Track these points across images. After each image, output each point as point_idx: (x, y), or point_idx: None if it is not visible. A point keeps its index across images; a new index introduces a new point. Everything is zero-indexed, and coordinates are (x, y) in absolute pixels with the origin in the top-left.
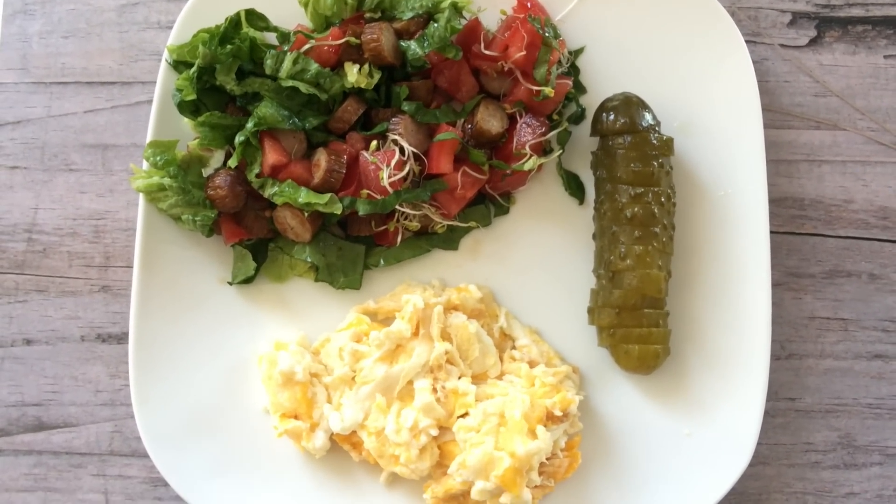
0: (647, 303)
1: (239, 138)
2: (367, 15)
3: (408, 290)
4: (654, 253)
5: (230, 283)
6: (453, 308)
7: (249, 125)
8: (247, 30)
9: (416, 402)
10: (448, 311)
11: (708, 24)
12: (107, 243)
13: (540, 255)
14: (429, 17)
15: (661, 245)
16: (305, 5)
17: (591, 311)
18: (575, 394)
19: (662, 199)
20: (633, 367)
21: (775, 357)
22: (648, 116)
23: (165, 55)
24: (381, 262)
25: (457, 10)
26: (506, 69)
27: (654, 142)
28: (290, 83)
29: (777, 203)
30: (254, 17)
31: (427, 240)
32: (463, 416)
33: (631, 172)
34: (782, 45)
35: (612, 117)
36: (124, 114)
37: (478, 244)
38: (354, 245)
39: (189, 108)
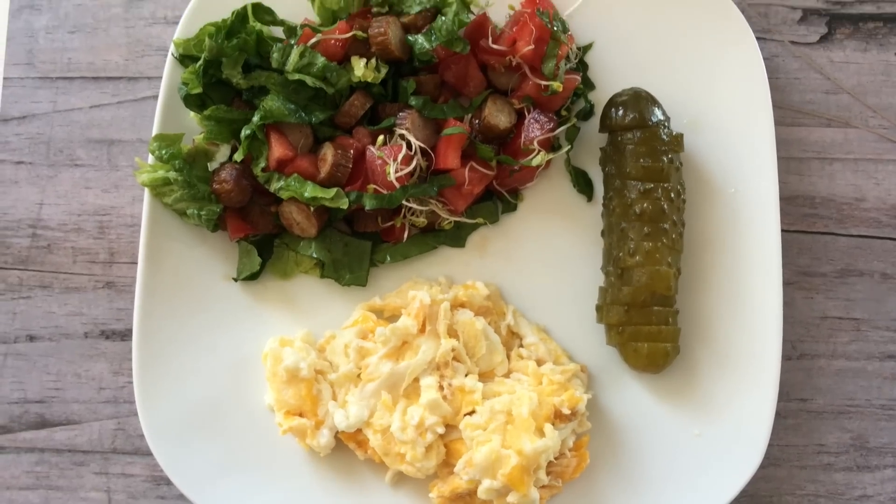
0: (657, 300)
1: (245, 132)
2: (375, 9)
3: (414, 287)
4: (663, 249)
5: (235, 280)
6: (460, 305)
7: (255, 119)
8: (253, 23)
9: (422, 399)
10: (455, 308)
11: (718, 19)
12: (111, 239)
13: (548, 253)
14: (436, 11)
15: (671, 242)
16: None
17: (599, 308)
18: (583, 392)
19: (672, 196)
20: (642, 366)
21: (786, 357)
22: (658, 112)
23: (172, 49)
24: (388, 258)
25: (465, 4)
26: (514, 64)
27: (664, 137)
28: (296, 77)
29: (788, 201)
30: (260, 11)
31: (434, 236)
32: (469, 413)
33: (640, 168)
34: (793, 42)
35: (621, 113)
36: (130, 109)
37: (485, 241)
38: (360, 241)
39: (195, 102)
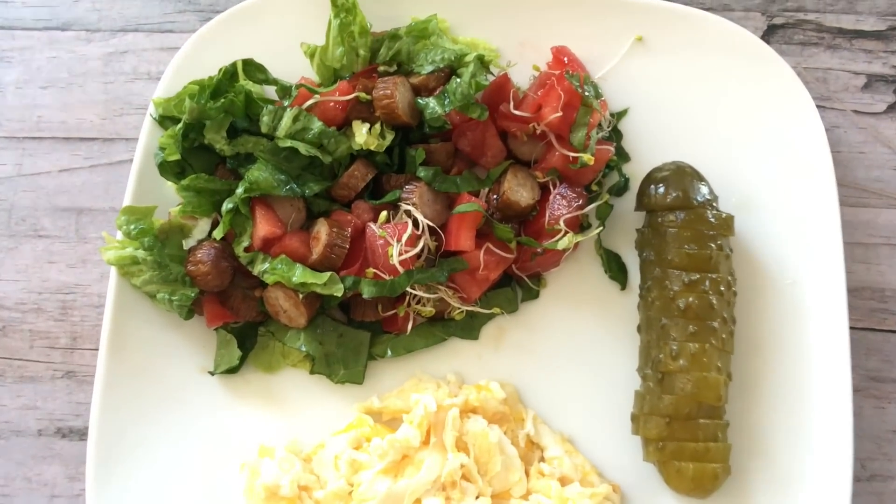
0: (704, 412)
1: (227, 205)
2: (381, 68)
3: (418, 388)
4: (711, 352)
5: (211, 373)
6: (471, 411)
7: (239, 190)
8: (243, 82)
9: None
10: (465, 414)
11: (772, 84)
12: (74, 322)
13: (574, 349)
14: (451, 71)
15: (720, 343)
16: (311, 56)
17: (635, 418)
18: None
19: (721, 288)
20: (687, 489)
21: (855, 478)
22: (704, 189)
23: (151, 109)
24: (389, 352)
25: (483, 64)
26: (538, 132)
27: (712, 219)
28: (288, 143)
29: (853, 294)
30: (252, 69)
31: (443, 327)
32: None
33: (684, 255)
34: (856, 112)
35: (661, 190)
36: (103, 174)
37: (502, 333)
38: (358, 332)
39: (172, 170)
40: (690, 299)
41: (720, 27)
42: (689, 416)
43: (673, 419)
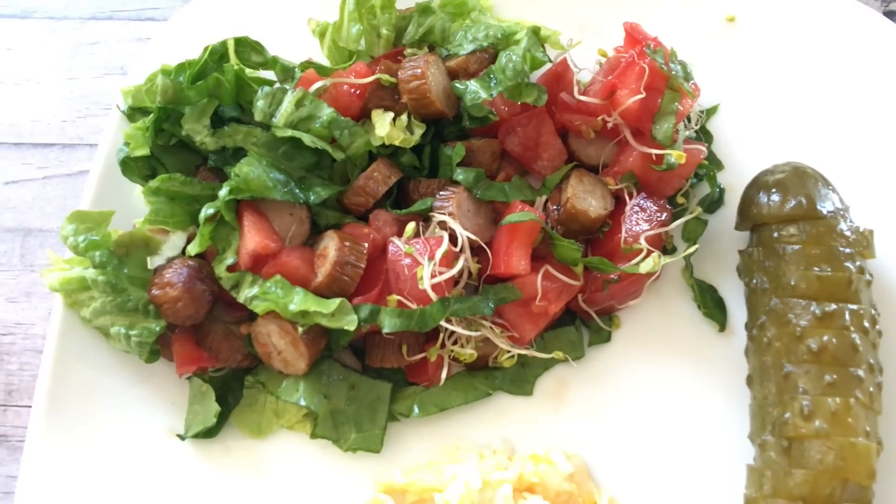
0: (850, 493)
1: (206, 211)
2: (409, 51)
3: (455, 458)
4: (858, 410)
5: (182, 438)
6: (528, 489)
7: (223, 191)
8: (235, 63)
9: None
10: (519, 493)
11: None
12: (11, 371)
13: (660, 410)
14: (495, 54)
15: (868, 398)
16: (321, 35)
17: (751, 502)
18: None
19: (865, 324)
20: None
21: None
22: (834, 197)
23: (120, 101)
24: (416, 410)
25: (538, 39)
26: (609, 126)
27: (848, 233)
28: (289, 133)
29: None
30: (246, 49)
31: (486, 378)
32: None
33: (814, 279)
34: None
35: (776, 197)
36: (60, 187)
37: (564, 387)
38: (375, 383)
39: (140, 170)
40: (826, 338)
41: (833, 4)
42: (831, 500)
43: (808, 503)
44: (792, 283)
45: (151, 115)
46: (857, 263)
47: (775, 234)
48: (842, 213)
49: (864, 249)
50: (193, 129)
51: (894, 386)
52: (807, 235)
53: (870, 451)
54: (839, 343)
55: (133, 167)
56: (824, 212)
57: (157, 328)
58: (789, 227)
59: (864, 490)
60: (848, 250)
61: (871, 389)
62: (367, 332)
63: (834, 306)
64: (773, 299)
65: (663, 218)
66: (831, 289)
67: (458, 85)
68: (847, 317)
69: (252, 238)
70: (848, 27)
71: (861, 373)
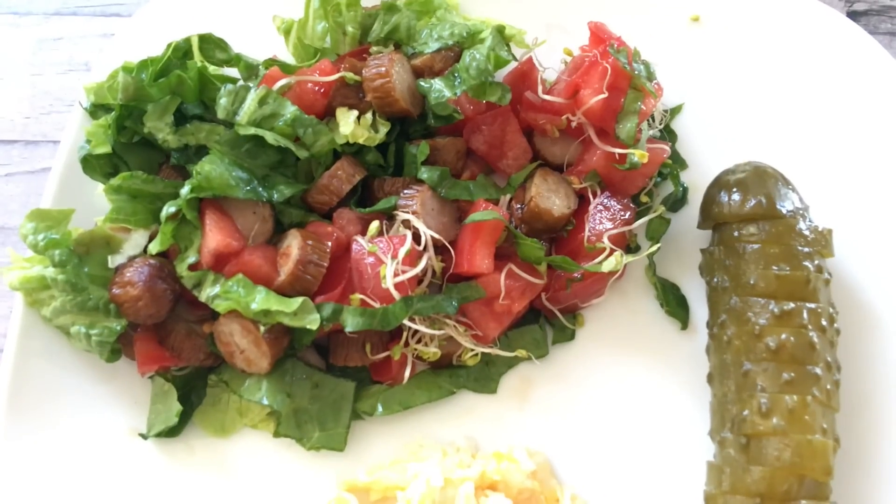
0: (807, 490)
1: (168, 210)
2: (374, 48)
3: (418, 456)
4: (815, 407)
5: (144, 437)
6: (490, 487)
7: (185, 189)
8: (197, 60)
9: None
10: (481, 491)
11: (865, 71)
12: None
13: (622, 407)
14: (461, 52)
15: (825, 395)
16: (286, 32)
17: (711, 499)
18: None
19: (823, 322)
20: None
21: None
22: (793, 196)
23: (82, 98)
24: (379, 408)
25: (503, 38)
26: (573, 125)
27: (806, 233)
28: (251, 131)
29: None
30: (210, 46)
31: (450, 376)
32: None
33: (772, 278)
34: None
35: (737, 196)
36: (23, 184)
37: (527, 385)
38: (338, 382)
39: (102, 168)
40: (784, 336)
41: (796, 4)
42: (788, 497)
43: (766, 499)
44: (751, 281)
45: (113, 112)
46: (816, 262)
47: (736, 234)
48: (801, 212)
49: (822, 248)
50: (155, 126)
51: (853, 384)
52: (766, 234)
53: (826, 447)
54: (797, 341)
55: (95, 165)
56: (784, 211)
57: (118, 327)
58: (749, 226)
59: (822, 486)
60: (807, 249)
61: (829, 387)
62: (331, 331)
63: (792, 305)
64: (733, 298)
65: (627, 217)
66: (790, 287)
67: (422, 83)
68: (805, 315)
69: (214, 237)
70: (811, 28)
71: (818, 371)
